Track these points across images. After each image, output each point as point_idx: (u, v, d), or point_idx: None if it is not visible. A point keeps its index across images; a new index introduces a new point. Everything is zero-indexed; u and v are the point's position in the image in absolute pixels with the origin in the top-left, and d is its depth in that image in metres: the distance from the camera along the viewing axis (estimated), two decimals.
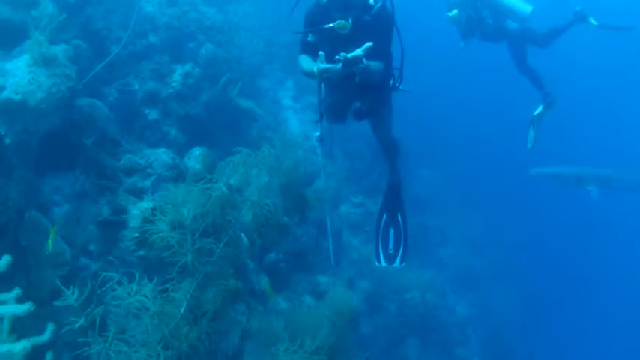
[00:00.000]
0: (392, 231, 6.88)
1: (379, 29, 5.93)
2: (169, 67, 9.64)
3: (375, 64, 5.89)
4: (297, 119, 12.81)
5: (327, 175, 11.73)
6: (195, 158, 7.37)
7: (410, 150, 13.42)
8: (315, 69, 5.65)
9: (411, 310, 11.51)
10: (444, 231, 15.16)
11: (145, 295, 5.13)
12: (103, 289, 5.07)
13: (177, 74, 9.51)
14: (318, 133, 6.82)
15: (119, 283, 5.13)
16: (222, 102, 10.25)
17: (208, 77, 10.10)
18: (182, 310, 5.02)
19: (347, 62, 5.45)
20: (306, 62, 6.09)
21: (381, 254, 6.82)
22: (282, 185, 6.25)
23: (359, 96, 6.32)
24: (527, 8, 9.86)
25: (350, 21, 5.69)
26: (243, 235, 6.10)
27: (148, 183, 6.85)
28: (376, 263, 6.81)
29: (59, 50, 6.73)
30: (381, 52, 5.99)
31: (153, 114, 8.88)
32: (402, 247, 6.77)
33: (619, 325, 17.52)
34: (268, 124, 11.28)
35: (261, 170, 6.12)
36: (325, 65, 5.51)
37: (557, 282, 16.87)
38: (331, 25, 5.69)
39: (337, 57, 5.42)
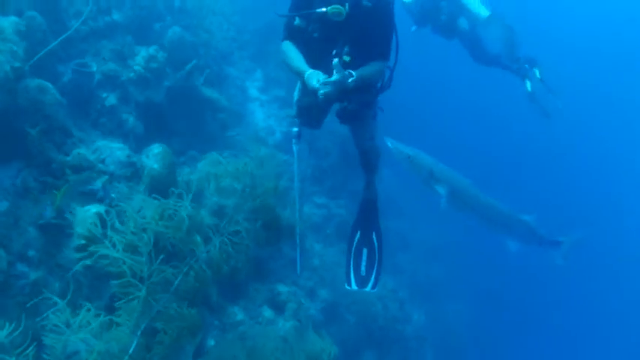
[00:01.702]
0: (365, 251, 6.11)
1: (378, 19, 5.13)
2: (132, 48, 8.66)
3: (370, 69, 5.14)
4: (262, 112, 11.94)
5: (291, 174, 10.95)
6: (153, 156, 6.46)
7: None
8: (308, 79, 4.92)
9: (371, 321, 10.81)
10: (405, 235, 14.50)
11: (89, 323, 4.29)
12: (40, 317, 4.23)
13: (140, 57, 8.54)
14: (296, 129, 6.01)
15: (58, 310, 4.27)
16: (186, 90, 9.34)
17: (173, 62, 9.16)
18: (131, 351, 4.17)
19: (332, 84, 4.73)
20: (291, 54, 5.27)
21: (352, 277, 6.03)
22: (256, 208, 5.39)
23: (342, 98, 5.51)
24: (485, 12, 9.35)
25: (347, 7, 4.88)
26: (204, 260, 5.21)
27: (98, 183, 5.90)
28: (346, 286, 6.02)
29: (7, 23, 5.79)
30: (380, 47, 5.23)
31: (111, 99, 7.91)
32: (375, 270, 6.03)
33: (576, 340, 17.38)
34: (233, 117, 10.43)
35: (235, 189, 5.25)
36: (326, 79, 4.77)
37: (514, 295, 16.50)
38: (324, 9, 4.88)
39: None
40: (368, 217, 6.28)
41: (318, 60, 5.20)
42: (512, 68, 9.79)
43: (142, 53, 8.58)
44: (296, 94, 5.97)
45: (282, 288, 8.85)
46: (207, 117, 9.83)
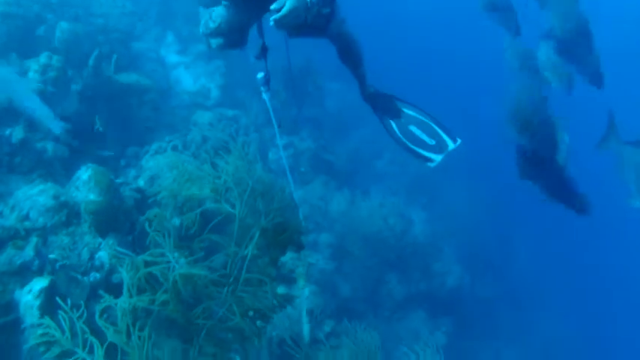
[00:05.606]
0: (413, 128, 5.02)
1: None
2: (21, 65, 7.05)
3: None
4: (189, 75, 10.38)
5: (246, 128, 9.53)
6: (84, 184, 4.98)
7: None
8: None
9: (382, 246, 9.63)
10: (376, 141, 13.17)
11: None
12: None
13: (33, 71, 6.92)
14: (262, 74, 4.67)
15: None
16: (100, 85, 7.76)
17: (73, 62, 7.56)
18: None
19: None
20: None
21: (426, 154, 4.96)
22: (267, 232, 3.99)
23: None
24: None
25: None
26: None
27: (29, 251, 4.41)
28: (430, 165, 4.96)
29: None
30: None
31: (17, 133, 6.36)
32: (439, 129, 5.00)
33: None
34: (162, 94, 8.94)
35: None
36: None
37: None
38: None
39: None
40: (387, 105, 5.12)
41: None
42: None
43: (34, 66, 6.95)
44: (216, 17, 4.47)
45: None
46: (134, 104, 8.30)
